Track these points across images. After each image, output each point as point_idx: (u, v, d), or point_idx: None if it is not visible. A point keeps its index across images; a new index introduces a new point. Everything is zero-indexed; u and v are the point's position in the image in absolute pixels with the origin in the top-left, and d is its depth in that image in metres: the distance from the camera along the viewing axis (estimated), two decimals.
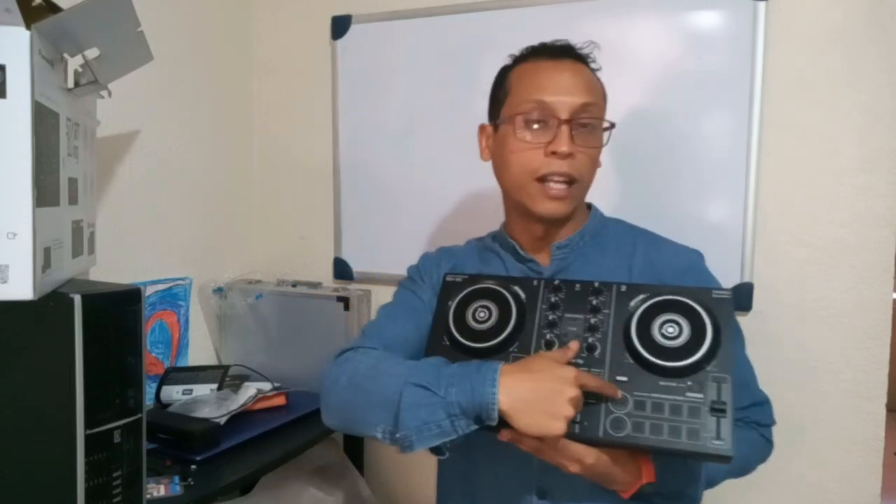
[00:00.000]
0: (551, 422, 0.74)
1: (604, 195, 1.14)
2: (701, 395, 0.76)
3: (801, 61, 1.33)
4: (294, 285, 1.66)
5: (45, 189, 0.80)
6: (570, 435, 0.76)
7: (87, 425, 0.81)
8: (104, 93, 1.01)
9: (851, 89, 1.30)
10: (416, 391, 0.78)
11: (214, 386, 1.44)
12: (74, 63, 0.94)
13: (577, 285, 0.87)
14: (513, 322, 0.86)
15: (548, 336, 0.85)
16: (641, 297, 0.84)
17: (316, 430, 1.42)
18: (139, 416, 0.88)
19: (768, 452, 0.99)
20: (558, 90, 0.88)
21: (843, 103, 1.30)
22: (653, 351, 0.79)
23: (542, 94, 0.88)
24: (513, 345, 0.85)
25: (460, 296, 0.91)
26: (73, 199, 0.92)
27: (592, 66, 0.94)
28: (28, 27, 0.76)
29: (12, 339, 0.80)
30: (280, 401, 1.47)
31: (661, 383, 0.78)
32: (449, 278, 0.94)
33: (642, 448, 0.76)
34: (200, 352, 1.67)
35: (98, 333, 0.81)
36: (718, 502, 1.15)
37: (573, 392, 0.74)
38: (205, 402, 1.35)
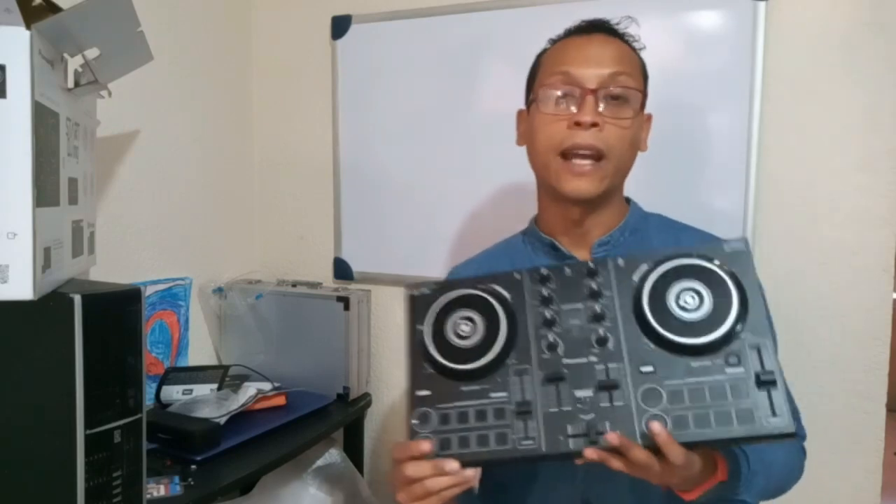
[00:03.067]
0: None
1: None
2: (742, 369, 0.66)
3: (801, 61, 1.33)
4: (294, 285, 1.66)
5: (45, 189, 0.80)
6: (605, 447, 0.66)
7: (87, 425, 0.80)
8: (104, 93, 1.01)
9: (851, 89, 1.30)
10: None
11: (214, 386, 1.44)
12: (74, 63, 0.94)
13: (567, 269, 0.75)
14: (504, 330, 0.73)
15: (550, 338, 0.72)
16: (644, 268, 0.72)
17: (316, 430, 1.43)
18: (139, 416, 0.88)
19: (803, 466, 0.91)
20: (585, 61, 0.84)
21: (843, 103, 1.30)
22: (675, 329, 0.68)
23: (567, 66, 0.84)
24: (509, 356, 0.72)
25: (434, 311, 0.76)
26: (73, 199, 0.92)
27: (629, 41, 0.90)
28: (28, 27, 0.76)
29: (12, 339, 0.80)
30: (280, 401, 1.47)
31: (694, 364, 0.67)
32: (413, 292, 0.78)
33: (693, 446, 0.66)
34: (200, 352, 1.67)
35: (98, 333, 0.81)
36: None
37: (396, 474, 0.72)
38: (205, 402, 1.35)
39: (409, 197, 1.66)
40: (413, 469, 0.69)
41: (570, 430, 0.67)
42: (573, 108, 0.84)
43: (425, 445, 0.70)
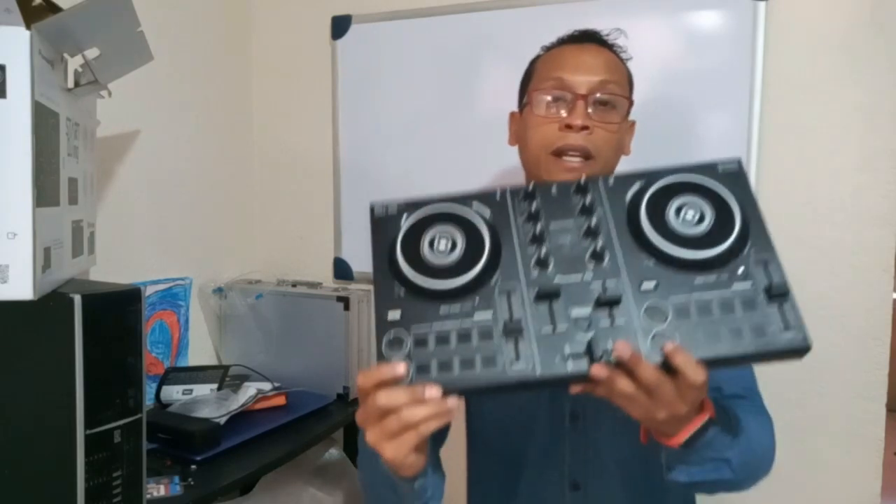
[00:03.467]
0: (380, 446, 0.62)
1: None
2: (750, 283, 0.63)
3: (801, 61, 1.33)
4: (294, 285, 1.66)
5: (45, 189, 0.80)
6: (612, 362, 0.60)
7: (87, 425, 0.81)
8: (104, 93, 1.01)
9: (851, 89, 1.30)
10: (367, 471, 0.77)
11: (214, 386, 1.44)
12: (74, 63, 0.94)
13: (554, 187, 0.70)
14: (487, 246, 0.66)
15: (539, 254, 0.65)
16: (638, 185, 0.69)
17: (316, 430, 1.43)
18: (139, 416, 0.88)
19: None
20: (577, 68, 0.89)
21: (843, 103, 1.31)
22: (677, 243, 0.64)
23: (560, 72, 0.89)
24: (494, 275, 0.65)
25: (404, 228, 0.68)
26: (73, 199, 0.92)
27: (618, 52, 0.95)
28: (28, 27, 0.76)
29: (12, 339, 0.80)
30: (280, 401, 1.47)
31: (699, 280, 0.63)
32: (378, 211, 0.70)
33: (704, 362, 0.60)
34: (200, 352, 1.67)
35: (98, 333, 0.81)
36: (719, 502, 1.14)
37: (364, 407, 0.62)
38: (205, 402, 1.35)
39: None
40: (386, 397, 0.59)
41: (567, 350, 0.61)
42: (564, 112, 0.88)
43: (400, 367, 0.60)
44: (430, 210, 0.69)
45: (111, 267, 1.28)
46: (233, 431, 1.30)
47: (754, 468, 0.80)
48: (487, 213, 0.69)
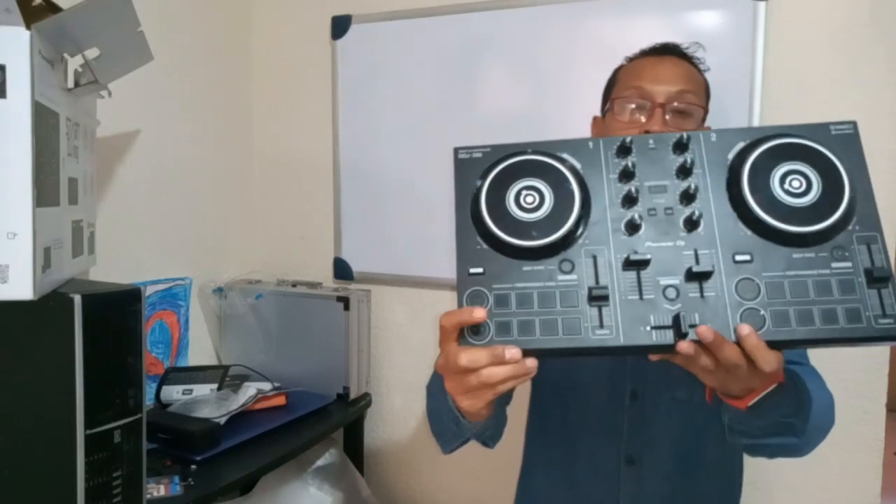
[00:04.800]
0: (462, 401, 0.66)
1: None
2: (849, 264, 0.59)
3: (801, 61, 1.33)
4: (294, 285, 1.66)
5: (45, 189, 0.80)
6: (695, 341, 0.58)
7: (87, 425, 0.81)
8: (104, 93, 1.01)
9: (851, 89, 1.30)
10: (435, 396, 0.85)
11: (214, 386, 1.44)
12: (74, 63, 0.94)
13: (651, 140, 0.66)
14: (577, 205, 0.63)
15: (630, 217, 0.63)
16: (741, 145, 0.64)
17: (316, 430, 1.43)
18: (139, 416, 0.88)
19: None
20: (656, 79, 0.94)
21: (843, 103, 1.30)
22: (778, 215, 0.60)
23: (641, 82, 0.94)
24: (582, 235, 0.63)
25: (490, 176, 0.66)
26: (73, 199, 0.92)
27: (696, 63, 1.00)
28: (28, 27, 0.76)
29: (12, 339, 0.80)
30: (280, 401, 1.47)
31: (796, 256, 0.60)
32: (463, 154, 0.68)
33: (792, 345, 0.59)
34: (200, 352, 1.67)
35: (98, 333, 0.82)
36: None
37: (447, 357, 0.63)
38: (205, 402, 1.35)
39: (409, 197, 1.66)
40: (467, 359, 0.61)
41: (652, 320, 0.60)
42: (643, 119, 0.94)
43: (479, 312, 0.60)
44: (517, 159, 0.66)
45: (111, 267, 1.28)
46: (233, 431, 1.30)
47: (816, 433, 0.83)
48: (578, 165, 0.66)
